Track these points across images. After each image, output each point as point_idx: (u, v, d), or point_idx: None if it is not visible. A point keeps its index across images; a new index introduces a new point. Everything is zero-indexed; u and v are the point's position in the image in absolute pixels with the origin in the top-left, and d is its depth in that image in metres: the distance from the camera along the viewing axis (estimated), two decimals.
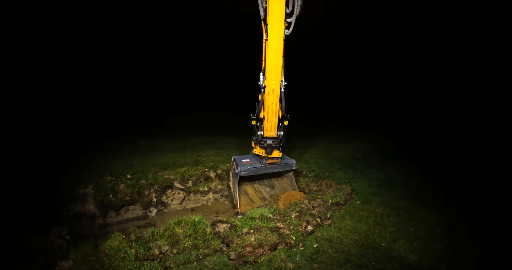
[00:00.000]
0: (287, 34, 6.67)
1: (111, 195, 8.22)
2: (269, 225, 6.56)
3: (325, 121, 18.11)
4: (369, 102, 22.63)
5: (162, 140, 13.58)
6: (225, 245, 6.27)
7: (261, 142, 7.98)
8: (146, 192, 8.56)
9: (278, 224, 6.66)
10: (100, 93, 21.38)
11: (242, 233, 6.31)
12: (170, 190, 8.77)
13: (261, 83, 7.09)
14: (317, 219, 7.03)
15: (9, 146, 11.72)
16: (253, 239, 6.17)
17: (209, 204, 8.90)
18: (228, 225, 6.65)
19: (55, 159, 10.57)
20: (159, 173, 9.14)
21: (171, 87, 24.75)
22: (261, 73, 7.11)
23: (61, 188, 8.59)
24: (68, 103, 19.12)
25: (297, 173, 9.83)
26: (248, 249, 6.04)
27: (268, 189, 8.70)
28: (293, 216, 6.97)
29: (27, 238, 6.19)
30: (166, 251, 5.90)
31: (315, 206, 7.50)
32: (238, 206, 7.82)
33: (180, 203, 8.78)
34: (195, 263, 5.79)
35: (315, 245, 6.33)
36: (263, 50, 7.07)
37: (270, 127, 7.65)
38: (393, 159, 11.22)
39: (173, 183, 8.94)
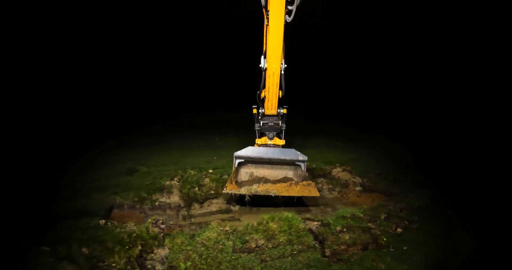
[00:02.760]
0: (288, 21, 6.70)
1: (196, 188, 8.39)
2: (361, 225, 6.51)
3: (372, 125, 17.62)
4: (384, 103, 21.79)
5: (234, 136, 13.76)
6: (318, 242, 6.26)
7: (263, 125, 8.37)
8: None
9: (369, 224, 6.60)
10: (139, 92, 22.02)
11: (336, 231, 6.28)
12: None
13: (262, 65, 7.33)
14: (405, 221, 6.91)
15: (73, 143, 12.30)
16: (347, 237, 6.13)
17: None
18: (319, 223, 6.66)
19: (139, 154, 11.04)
20: None
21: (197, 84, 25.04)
22: (262, 56, 7.35)
23: (145, 180, 8.94)
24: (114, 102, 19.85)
25: (376, 175, 9.65)
26: (342, 247, 6.01)
27: (269, 173, 8.50)
28: (382, 217, 6.89)
29: (120, 226, 6.42)
30: (262, 245, 5.96)
31: (402, 208, 7.41)
32: (226, 185, 7.57)
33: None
34: (289, 258, 5.82)
35: (404, 248, 6.22)
36: (264, 34, 7.21)
37: (271, 106, 8.03)
38: (449, 163, 10.89)
39: None
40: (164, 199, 8.37)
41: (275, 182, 8.09)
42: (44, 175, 9.50)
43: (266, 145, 8.46)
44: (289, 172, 8.43)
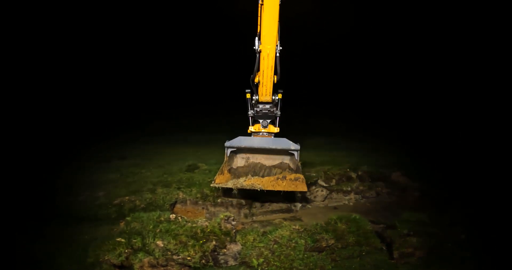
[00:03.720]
0: None
1: None
2: (426, 230, 6.60)
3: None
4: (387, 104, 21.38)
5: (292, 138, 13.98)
6: (384, 244, 6.40)
7: (257, 112, 8.13)
8: None
9: (433, 230, 6.68)
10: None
11: (403, 234, 6.40)
12: (313, 187, 8.99)
13: (256, 47, 7.02)
14: (468, 228, 6.95)
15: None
16: (415, 241, 6.24)
17: (351, 204, 8.92)
18: (384, 226, 6.81)
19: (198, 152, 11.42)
20: None
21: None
22: (256, 38, 7.02)
23: (207, 177, 9.28)
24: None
25: (432, 180, 9.61)
26: (409, 250, 6.13)
27: (264, 168, 8.41)
28: (446, 223, 7.00)
29: (191, 221, 6.69)
30: (332, 244, 6.14)
31: (464, 215, 7.46)
32: (215, 177, 7.68)
33: (323, 201, 8.95)
34: (358, 259, 5.96)
35: (468, 254, 6.25)
36: (258, 15, 6.95)
37: (265, 92, 7.71)
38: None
39: (317, 180, 9.21)
40: (227, 196, 8.60)
41: (271, 167, 8.16)
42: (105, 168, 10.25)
43: (259, 133, 8.36)
44: (285, 157, 8.42)
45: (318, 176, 9.31)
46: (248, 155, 8.56)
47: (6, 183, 9.12)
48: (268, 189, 7.24)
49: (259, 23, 7.01)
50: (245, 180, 7.46)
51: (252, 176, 7.75)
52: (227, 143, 8.15)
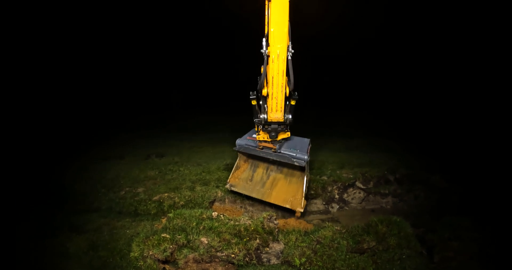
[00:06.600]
0: None
1: None
2: (468, 235, 6.58)
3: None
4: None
5: (327, 139, 14.02)
6: (425, 248, 6.42)
7: (265, 126, 7.07)
8: (329, 188, 8.95)
9: (474, 234, 6.64)
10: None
11: (444, 238, 6.42)
12: (351, 189, 9.06)
13: (264, 49, 6.08)
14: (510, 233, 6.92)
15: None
16: (456, 245, 6.25)
17: (388, 207, 8.98)
18: (425, 229, 6.82)
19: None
20: (337, 171, 9.50)
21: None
22: (264, 39, 6.08)
23: None
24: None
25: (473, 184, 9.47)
26: (451, 254, 6.15)
27: (272, 175, 8.25)
28: (489, 227, 6.95)
29: (234, 219, 6.83)
30: (373, 246, 6.20)
31: (508, 220, 7.38)
32: (230, 176, 7.97)
33: (360, 203, 9.02)
34: (399, 262, 5.97)
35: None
36: (265, 13, 6.17)
37: (276, 106, 6.61)
38: None
39: (354, 182, 9.24)
40: None
41: (275, 181, 8.17)
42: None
43: (267, 142, 7.55)
44: (294, 171, 8.27)
45: (355, 178, 9.34)
46: (256, 161, 8.52)
47: (46, 178, 9.53)
48: (269, 201, 7.84)
49: (266, 23, 6.24)
50: (254, 190, 8.03)
51: (261, 186, 8.14)
52: (237, 146, 7.99)
